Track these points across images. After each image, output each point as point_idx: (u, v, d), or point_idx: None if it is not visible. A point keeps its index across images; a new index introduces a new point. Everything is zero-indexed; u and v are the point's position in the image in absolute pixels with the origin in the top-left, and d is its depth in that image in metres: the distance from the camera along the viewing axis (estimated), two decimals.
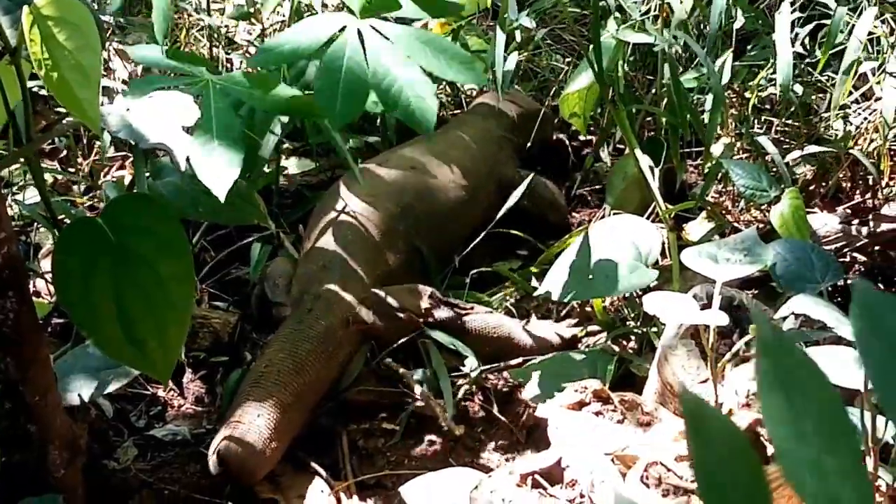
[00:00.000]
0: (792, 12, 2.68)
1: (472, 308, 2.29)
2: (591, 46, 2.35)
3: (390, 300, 2.26)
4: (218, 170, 1.72)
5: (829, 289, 1.97)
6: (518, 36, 3.03)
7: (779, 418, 0.62)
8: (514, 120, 3.00)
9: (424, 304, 2.25)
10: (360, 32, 1.88)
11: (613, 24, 2.70)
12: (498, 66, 2.66)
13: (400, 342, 2.23)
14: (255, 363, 2.13)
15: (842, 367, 1.54)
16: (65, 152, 2.95)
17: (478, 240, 2.56)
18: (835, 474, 0.62)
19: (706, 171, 2.65)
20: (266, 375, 2.03)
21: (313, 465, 2.02)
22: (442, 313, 2.25)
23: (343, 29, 1.90)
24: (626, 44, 2.72)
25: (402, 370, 2.18)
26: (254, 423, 1.93)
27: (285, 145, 2.76)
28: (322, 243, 2.37)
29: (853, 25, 2.76)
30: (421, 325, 2.23)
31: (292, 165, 2.82)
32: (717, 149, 2.56)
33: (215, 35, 3.27)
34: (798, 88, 2.88)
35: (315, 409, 2.13)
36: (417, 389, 2.14)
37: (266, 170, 2.66)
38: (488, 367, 2.24)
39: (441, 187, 2.62)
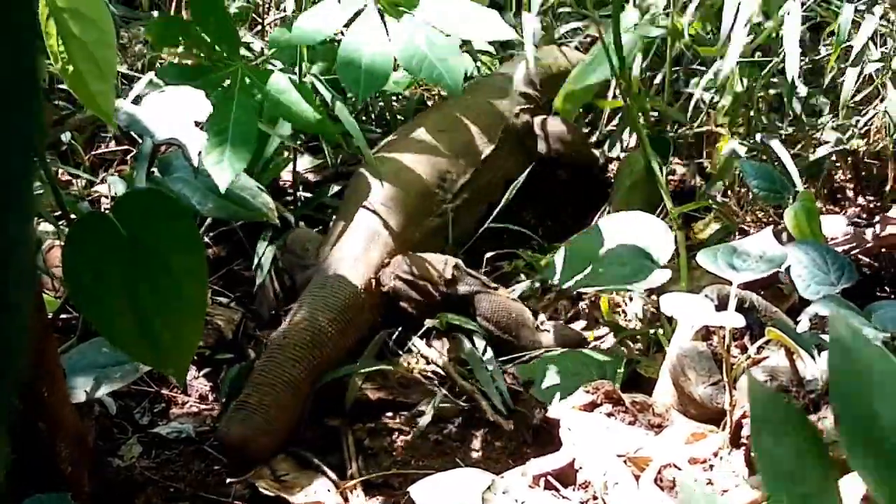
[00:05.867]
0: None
1: (496, 288, 2.30)
2: (610, 40, 2.35)
3: (413, 268, 2.26)
4: (224, 163, 1.72)
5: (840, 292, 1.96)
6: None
7: None
8: (538, 78, 2.97)
9: (448, 274, 2.25)
10: (380, 11, 1.92)
11: (631, 17, 2.70)
12: (527, 38, 2.73)
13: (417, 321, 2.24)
14: (276, 332, 2.14)
15: None
16: (64, 147, 2.92)
17: (486, 225, 2.55)
18: None
19: (716, 170, 2.64)
20: (283, 349, 2.05)
21: (318, 463, 2.00)
22: (465, 287, 2.25)
23: (363, 10, 1.94)
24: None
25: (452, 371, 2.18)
26: (262, 402, 1.96)
27: (298, 141, 2.75)
28: (357, 207, 2.38)
29: (857, 23, 2.75)
30: (436, 298, 2.23)
31: (301, 161, 2.80)
32: (725, 150, 2.55)
33: None
34: (802, 90, 2.86)
35: (319, 409, 2.12)
36: (461, 383, 2.14)
37: (271, 166, 2.63)
38: (498, 360, 2.22)
39: (466, 149, 2.63)
